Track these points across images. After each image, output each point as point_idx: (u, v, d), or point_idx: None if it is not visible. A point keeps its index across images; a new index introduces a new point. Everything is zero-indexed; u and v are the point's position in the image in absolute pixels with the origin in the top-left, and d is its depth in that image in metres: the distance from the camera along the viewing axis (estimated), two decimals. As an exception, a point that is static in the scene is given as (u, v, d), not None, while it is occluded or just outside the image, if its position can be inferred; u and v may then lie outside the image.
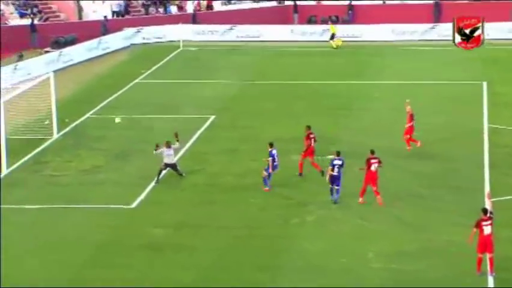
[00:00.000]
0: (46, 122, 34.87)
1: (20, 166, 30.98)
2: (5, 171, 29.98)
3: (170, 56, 52.67)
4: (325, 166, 28.09)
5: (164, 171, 29.02)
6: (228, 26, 58.48)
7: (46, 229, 25.18)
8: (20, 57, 48.27)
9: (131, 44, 56.29)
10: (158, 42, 57.19)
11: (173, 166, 29.17)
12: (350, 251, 23.33)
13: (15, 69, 45.18)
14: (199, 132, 35.21)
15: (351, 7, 62.39)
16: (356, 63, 49.63)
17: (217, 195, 27.84)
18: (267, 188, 27.82)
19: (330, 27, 55.97)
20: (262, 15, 61.11)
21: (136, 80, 45.81)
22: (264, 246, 23.77)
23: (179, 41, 55.17)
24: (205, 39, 57.48)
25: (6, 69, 44.46)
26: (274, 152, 27.89)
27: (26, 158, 31.74)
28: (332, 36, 55.13)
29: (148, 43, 56.96)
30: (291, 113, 37.62)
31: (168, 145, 28.99)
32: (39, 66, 46.11)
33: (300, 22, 61.79)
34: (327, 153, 27.89)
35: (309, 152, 29.10)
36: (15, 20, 54.66)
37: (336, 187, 26.64)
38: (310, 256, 23.12)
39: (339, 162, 26.74)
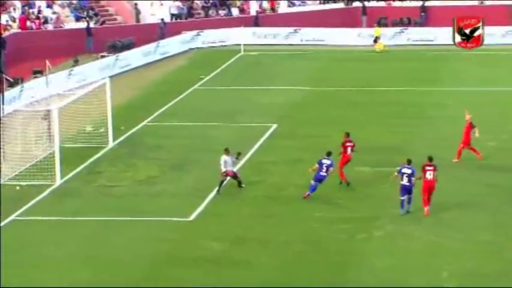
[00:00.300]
0: (101, 130, 35.34)
1: (74, 176, 31.40)
2: (58, 180, 30.45)
3: (231, 60, 52.89)
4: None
5: (225, 182, 29.11)
6: (291, 29, 58.48)
7: (100, 241, 25.44)
8: (76, 62, 49.05)
9: (190, 49, 56.71)
10: (218, 46, 57.45)
11: (233, 175, 29.24)
12: (422, 268, 22.99)
13: (70, 74, 45.92)
14: (261, 140, 35.23)
15: (424, 9, 61.70)
16: (428, 69, 49.15)
17: (278, 208, 27.79)
18: (307, 194, 27.82)
19: (375, 30, 55.75)
20: (329, 18, 60.86)
21: (195, 86, 46.11)
22: (327, 261, 23.59)
23: (240, 44, 55.37)
24: (268, 43, 57.57)
25: (61, 75, 45.27)
26: (324, 161, 27.82)
27: (80, 168, 32.17)
28: (375, 40, 54.97)
29: (207, 47, 57.30)
30: (357, 121, 37.30)
31: (228, 152, 29.07)
32: (95, 72, 46.70)
33: (369, 25, 61.27)
34: (394, 164, 27.57)
35: (344, 160, 29.11)
36: (70, 24, 55.52)
37: (408, 196, 26.39)
38: (380, 272, 22.85)
39: (408, 171, 26.43)
